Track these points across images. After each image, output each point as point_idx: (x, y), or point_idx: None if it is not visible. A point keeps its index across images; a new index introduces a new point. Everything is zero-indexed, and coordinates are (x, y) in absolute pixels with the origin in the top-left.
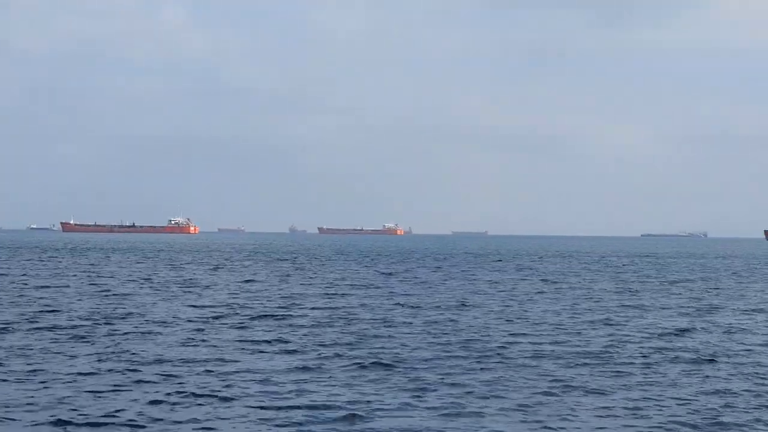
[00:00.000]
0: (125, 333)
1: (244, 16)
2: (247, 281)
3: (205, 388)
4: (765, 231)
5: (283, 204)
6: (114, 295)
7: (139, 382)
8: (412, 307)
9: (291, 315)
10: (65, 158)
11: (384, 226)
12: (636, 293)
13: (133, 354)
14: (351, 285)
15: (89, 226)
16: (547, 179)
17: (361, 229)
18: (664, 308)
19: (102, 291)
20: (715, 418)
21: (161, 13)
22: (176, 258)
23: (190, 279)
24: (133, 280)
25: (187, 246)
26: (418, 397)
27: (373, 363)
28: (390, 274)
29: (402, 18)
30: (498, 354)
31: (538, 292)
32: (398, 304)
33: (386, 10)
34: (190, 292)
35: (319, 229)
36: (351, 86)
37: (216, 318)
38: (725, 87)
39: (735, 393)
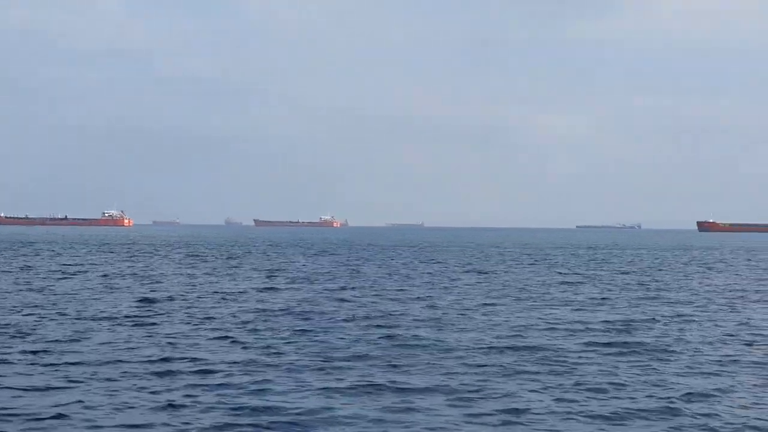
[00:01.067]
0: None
1: (182, 4)
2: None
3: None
4: (697, 222)
5: (219, 196)
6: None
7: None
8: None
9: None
10: None
11: (320, 218)
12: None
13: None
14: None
15: (20, 218)
16: (484, 170)
17: (298, 222)
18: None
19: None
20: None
21: (98, 2)
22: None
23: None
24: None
25: (109, 239)
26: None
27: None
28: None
29: (340, 7)
30: (434, 344)
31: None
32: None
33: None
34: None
35: (255, 221)
36: (290, 75)
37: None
38: (661, 79)
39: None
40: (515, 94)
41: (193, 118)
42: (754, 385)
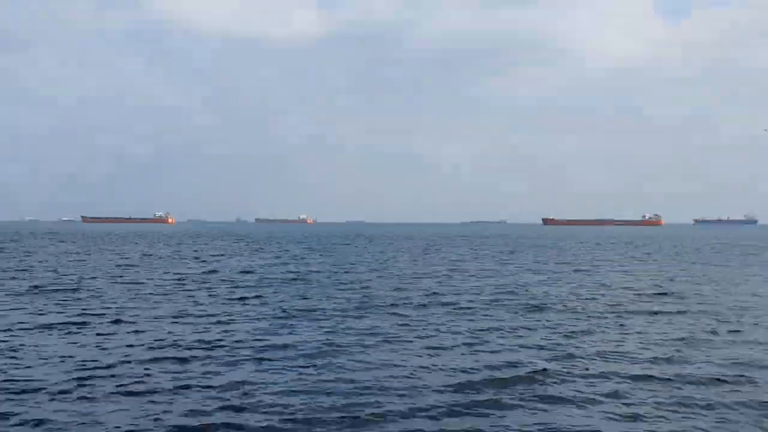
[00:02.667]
0: None
1: None
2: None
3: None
4: (543, 218)
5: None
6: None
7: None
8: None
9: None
10: None
11: (299, 217)
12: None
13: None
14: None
15: (98, 218)
16: (407, 182)
17: (286, 220)
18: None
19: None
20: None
21: None
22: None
23: None
24: None
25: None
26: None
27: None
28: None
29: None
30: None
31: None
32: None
33: None
34: None
35: (255, 219)
36: None
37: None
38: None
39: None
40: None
41: None
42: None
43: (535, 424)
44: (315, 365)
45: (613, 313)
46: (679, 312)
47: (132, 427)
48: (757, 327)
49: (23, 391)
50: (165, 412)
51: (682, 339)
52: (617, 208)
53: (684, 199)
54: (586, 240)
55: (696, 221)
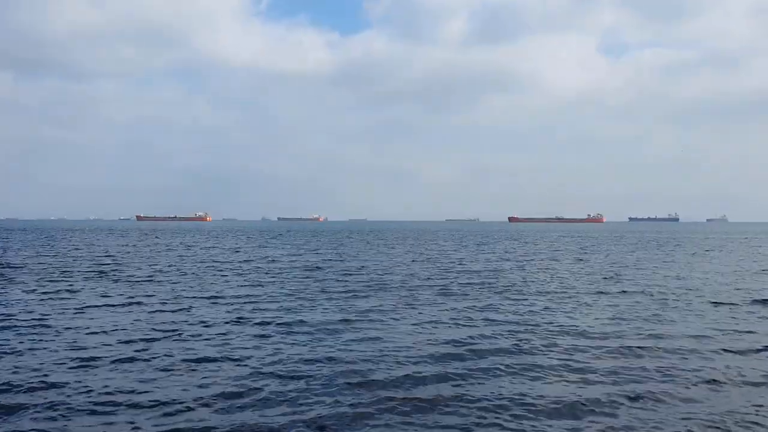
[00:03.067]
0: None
1: None
2: None
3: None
4: (508, 217)
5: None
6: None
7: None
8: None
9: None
10: None
11: (311, 215)
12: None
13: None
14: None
15: (149, 217)
16: (401, 189)
17: (299, 218)
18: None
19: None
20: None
21: None
22: None
23: None
24: None
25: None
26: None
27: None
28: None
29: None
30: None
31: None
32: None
33: None
34: None
35: (278, 218)
36: None
37: None
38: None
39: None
40: (417, 154)
41: None
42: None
43: (508, 387)
44: (332, 333)
45: (566, 293)
46: (621, 292)
47: (186, 391)
48: (681, 303)
49: (92, 359)
50: (212, 377)
51: (623, 314)
52: (569, 208)
53: (621, 200)
54: (545, 233)
55: (630, 219)
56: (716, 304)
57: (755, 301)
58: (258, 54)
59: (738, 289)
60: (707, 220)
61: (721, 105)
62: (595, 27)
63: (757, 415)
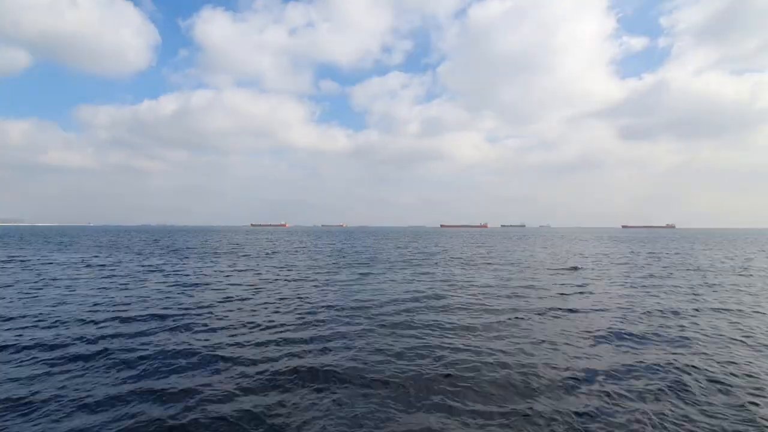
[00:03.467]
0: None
1: None
2: None
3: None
4: (440, 224)
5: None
6: None
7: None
8: None
9: None
10: None
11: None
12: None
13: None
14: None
15: (262, 224)
16: (389, 208)
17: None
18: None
19: None
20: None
21: None
22: None
23: None
24: None
25: None
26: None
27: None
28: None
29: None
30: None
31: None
32: None
33: None
34: None
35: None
36: None
37: None
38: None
39: None
40: (394, 197)
41: None
42: None
43: (433, 317)
44: (351, 287)
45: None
46: (497, 263)
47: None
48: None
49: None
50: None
51: (515, 289)
52: (471, 219)
53: (497, 214)
54: (458, 233)
55: (503, 225)
56: (542, 269)
57: (567, 268)
58: (313, 141)
59: (559, 258)
60: (540, 226)
61: (548, 167)
62: (482, 128)
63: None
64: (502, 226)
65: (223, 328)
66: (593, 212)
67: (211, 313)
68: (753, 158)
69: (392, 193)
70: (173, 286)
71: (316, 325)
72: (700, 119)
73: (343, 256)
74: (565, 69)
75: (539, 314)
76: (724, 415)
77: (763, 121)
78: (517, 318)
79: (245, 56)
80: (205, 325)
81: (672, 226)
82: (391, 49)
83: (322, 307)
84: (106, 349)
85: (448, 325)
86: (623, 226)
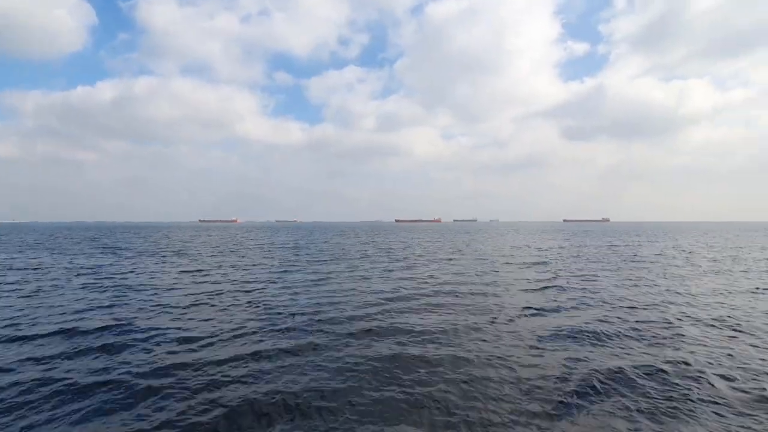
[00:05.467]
0: None
1: None
2: None
3: None
4: (395, 219)
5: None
6: None
7: None
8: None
9: None
10: None
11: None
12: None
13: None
14: None
15: (208, 220)
16: (343, 202)
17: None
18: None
19: None
20: None
21: None
22: None
23: None
24: None
25: None
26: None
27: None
28: None
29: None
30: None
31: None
32: None
33: None
34: None
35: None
36: None
37: None
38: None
39: None
40: (346, 185)
41: None
42: None
43: (395, 318)
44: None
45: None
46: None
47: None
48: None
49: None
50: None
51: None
52: (426, 215)
53: (450, 210)
54: (413, 228)
55: (455, 220)
56: (481, 259)
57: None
58: (267, 134)
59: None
60: (490, 220)
61: (498, 165)
62: (438, 125)
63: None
64: (454, 220)
65: (153, 347)
66: (538, 207)
67: (142, 327)
68: (677, 158)
69: (348, 188)
70: (100, 292)
71: (270, 339)
72: (633, 122)
73: (304, 254)
74: (516, 70)
75: (519, 314)
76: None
77: (687, 125)
78: (502, 320)
79: (193, 42)
80: (131, 344)
81: (607, 220)
82: (348, 42)
83: (279, 314)
84: None
85: (426, 330)
86: (564, 220)
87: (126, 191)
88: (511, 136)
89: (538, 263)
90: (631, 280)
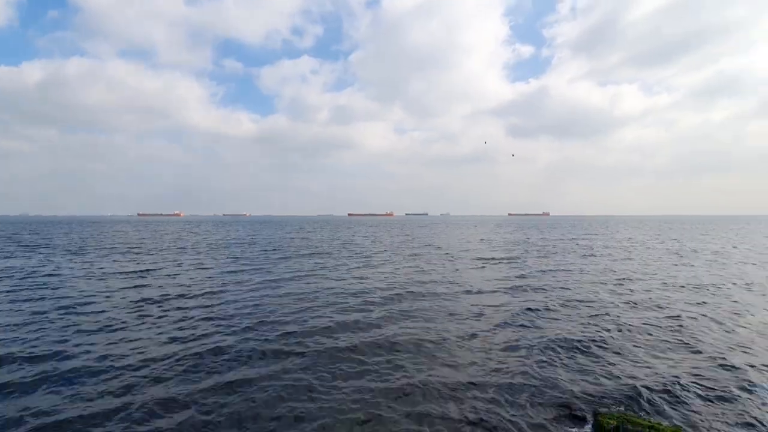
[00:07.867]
0: None
1: None
2: None
3: None
4: (348, 213)
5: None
6: None
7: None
8: None
9: None
10: None
11: (239, 212)
12: None
13: None
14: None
15: (148, 214)
16: (298, 197)
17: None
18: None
19: None
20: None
21: None
22: None
23: None
24: None
25: None
26: None
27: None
28: None
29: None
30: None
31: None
32: None
33: None
34: None
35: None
36: None
37: None
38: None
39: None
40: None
41: None
42: None
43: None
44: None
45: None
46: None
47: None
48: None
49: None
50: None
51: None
52: (379, 208)
53: (405, 204)
54: (366, 221)
55: (407, 214)
56: (449, 255)
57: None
58: (214, 124)
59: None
60: (441, 214)
61: (448, 160)
62: (391, 119)
63: None
64: (406, 214)
65: (86, 355)
66: (485, 202)
67: (73, 336)
68: (610, 157)
69: (300, 182)
70: (19, 294)
71: (220, 352)
72: (572, 122)
73: (256, 252)
74: (467, 68)
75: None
76: None
77: (619, 127)
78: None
79: (133, 23)
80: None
81: (547, 214)
82: (302, 32)
83: (228, 326)
84: None
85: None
86: (509, 214)
87: (55, 183)
88: (461, 132)
89: (509, 258)
90: (613, 271)
